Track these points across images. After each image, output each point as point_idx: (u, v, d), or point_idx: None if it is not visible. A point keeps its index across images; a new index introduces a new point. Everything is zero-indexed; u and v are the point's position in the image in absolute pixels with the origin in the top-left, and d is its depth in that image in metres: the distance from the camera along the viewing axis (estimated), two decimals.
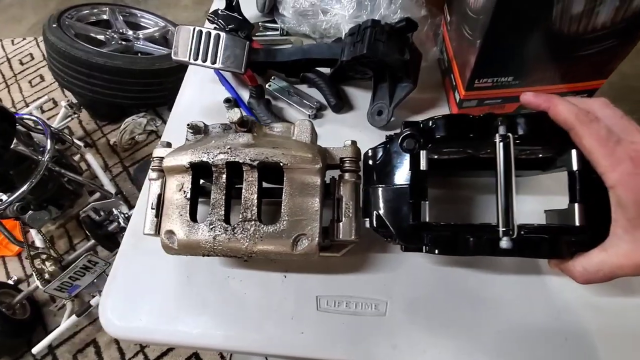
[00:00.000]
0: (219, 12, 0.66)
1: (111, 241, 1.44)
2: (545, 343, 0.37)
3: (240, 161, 0.35)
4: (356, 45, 0.45)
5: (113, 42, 1.68)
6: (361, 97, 0.56)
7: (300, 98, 0.56)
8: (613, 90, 1.70)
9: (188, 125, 0.40)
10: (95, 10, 1.77)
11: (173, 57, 0.54)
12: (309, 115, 0.54)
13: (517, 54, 0.39)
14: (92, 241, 1.45)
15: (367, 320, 0.39)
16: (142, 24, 1.82)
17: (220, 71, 0.62)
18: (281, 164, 0.35)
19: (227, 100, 0.57)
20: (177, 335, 0.40)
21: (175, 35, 0.53)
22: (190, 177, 0.37)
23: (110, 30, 1.72)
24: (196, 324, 0.41)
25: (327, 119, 0.55)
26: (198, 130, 0.40)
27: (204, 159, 0.35)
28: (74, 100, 1.70)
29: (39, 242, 1.52)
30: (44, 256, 1.40)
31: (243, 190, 0.35)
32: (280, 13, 0.63)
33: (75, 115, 1.70)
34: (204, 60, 0.53)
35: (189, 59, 0.53)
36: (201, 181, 0.41)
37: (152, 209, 0.40)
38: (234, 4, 0.66)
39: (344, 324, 0.39)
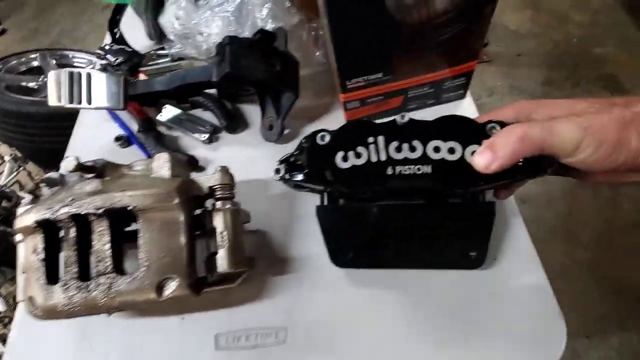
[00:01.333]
0: (106, 47, 0.64)
1: None
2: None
3: (83, 212, 0.32)
4: (221, 65, 0.43)
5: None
6: (256, 113, 0.54)
7: (193, 124, 0.53)
8: (549, 57, 1.72)
9: (41, 179, 0.37)
10: (23, 59, 1.70)
11: (49, 103, 0.51)
12: (204, 140, 0.52)
13: (372, 50, 0.38)
14: None
15: (269, 351, 0.37)
16: (75, 64, 1.76)
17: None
18: (129, 208, 0.32)
19: (117, 138, 0.55)
20: None
21: (48, 80, 0.50)
22: (42, 236, 0.34)
23: (42, 76, 1.66)
24: None
25: (224, 141, 0.53)
26: (53, 183, 0.37)
27: (47, 216, 0.32)
28: (19, 154, 1.63)
29: (1, 306, 1.45)
30: (6, 320, 1.33)
31: (93, 242, 0.33)
32: (167, 39, 0.60)
33: (21, 168, 1.63)
34: (79, 102, 0.50)
35: (64, 102, 0.50)
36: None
37: (22, 273, 0.37)
38: (117, 37, 0.64)
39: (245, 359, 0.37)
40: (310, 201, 0.39)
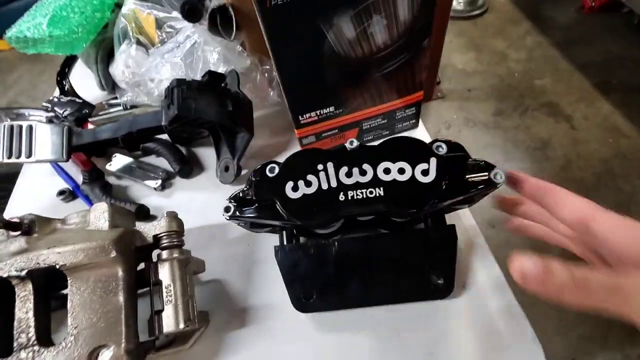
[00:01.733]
0: (54, 99, 0.61)
1: None
2: None
3: (4, 275, 0.28)
4: (169, 108, 0.41)
5: None
6: (211, 156, 0.52)
7: (144, 171, 0.51)
8: (496, 91, 1.87)
9: None
10: None
11: None
12: (156, 187, 0.49)
13: (319, 85, 0.38)
14: None
15: None
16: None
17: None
18: (57, 266, 0.28)
19: (60, 193, 0.51)
20: None
21: None
22: None
23: None
24: None
25: (178, 186, 0.50)
26: None
27: None
28: None
29: None
30: None
31: (16, 310, 0.28)
32: (119, 87, 0.59)
33: None
34: (18, 156, 0.47)
35: (2, 157, 0.47)
36: None
37: None
38: (66, 88, 0.62)
39: None
40: (270, 244, 0.37)
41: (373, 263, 0.35)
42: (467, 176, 0.28)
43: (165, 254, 0.33)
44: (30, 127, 0.48)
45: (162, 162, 0.53)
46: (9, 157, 0.47)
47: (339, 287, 0.35)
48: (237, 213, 0.31)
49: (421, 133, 0.51)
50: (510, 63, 2.06)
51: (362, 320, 0.36)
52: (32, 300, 0.28)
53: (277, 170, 0.30)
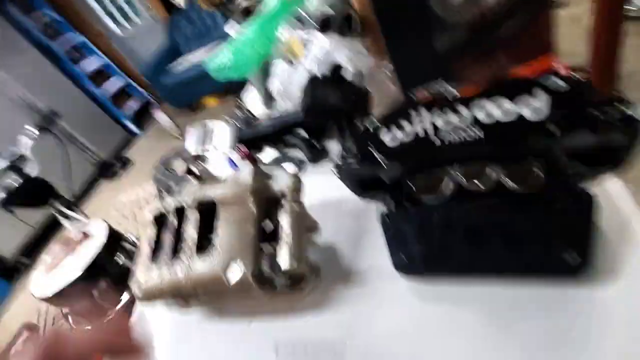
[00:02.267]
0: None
1: None
2: None
3: (182, 205, 0.40)
4: (303, 100, 0.50)
5: None
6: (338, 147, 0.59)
7: (285, 160, 0.62)
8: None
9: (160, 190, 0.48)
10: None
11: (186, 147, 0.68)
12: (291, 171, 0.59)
13: (429, 54, 0.39)
14: None
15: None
16: None
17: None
18: (214, 200, 0.38)
19: None
20: None
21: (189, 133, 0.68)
22: (154, 228, 0.43)
23: None
24: None
25: (309, 171, 0.59)
26: (165, 187, 0.48)
27: (157, 212, 0.41)
28: None
29: None
30: None
31: (183, 227, 0.39)
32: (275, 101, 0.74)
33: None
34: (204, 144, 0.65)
35: (197, 146, 0.66)
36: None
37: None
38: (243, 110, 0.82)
39: None
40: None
41: (485, 230, 0.32)
42: (591, 110, 0.24)
43: (286, 204, 0.39)
44: (212, 129, 0.66)
45: (300, 154, 0.62)
46: (202, 145, 0.66)
47: (445, 253, 0.34)
48: (343, 166, 0.35)
49: None
50: None
51: (469, 295, 0.33)
52: (195, 221, 0.39)
53: (375, 122, 0.33)
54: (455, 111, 0.27)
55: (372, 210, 0.45)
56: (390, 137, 0.31)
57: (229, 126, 0.64)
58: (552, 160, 0.27)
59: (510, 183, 0.32)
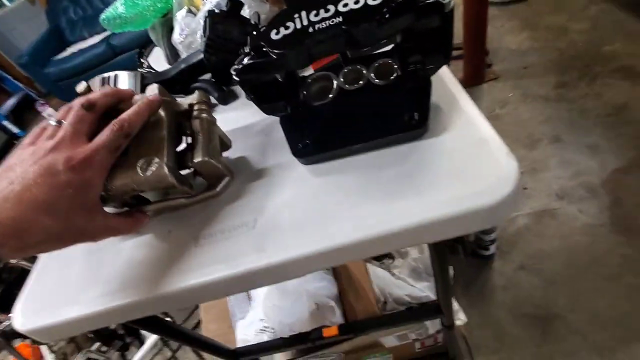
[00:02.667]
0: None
1: (116, 337, 1.42)
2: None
3: None
4: (204, 36, 0.54)
5: None
6: None
7: None
8: (556, 65, 1.77)
9: None
10: None
11: None
12: None
13: None
14: None
15: (241, 238, 0.40)
16: None
17: None
18: None
19: None
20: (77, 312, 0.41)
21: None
22: None
23: None
24: (94, 296, 0.41)
25: (219, 110, 0.62)
26: None
27: None
28: None
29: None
30: None
31: None
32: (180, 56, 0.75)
33: None
34: None
35: None
36: None
37: None
38: (145, 66, 0.81)
39: (220, 249, 0.40)
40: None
41: (358, 114, 0.42)
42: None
43: (196, 113, 0.43)
44: (116, 76, 0.64)
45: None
46: None
47: (329, 135, 0.42)
48: (240, 68, 0.40)
49: None
50: (573, 35, 1.92)
51: (350, 165, 0.41)
52: None
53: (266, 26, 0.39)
54: (327, 9, 0.35)
55: (278, 126, 0.51)
56: (275, 33, 0.37)
57: (130, 72, 0.64)
58: (402, 57, 0.37)
59: (376, 80, 0.42)
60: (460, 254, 1.33)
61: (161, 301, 0.39)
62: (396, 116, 0.40)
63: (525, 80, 1.79)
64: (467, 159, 0.36)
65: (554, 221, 1.32)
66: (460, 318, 0.92)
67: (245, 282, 0.38)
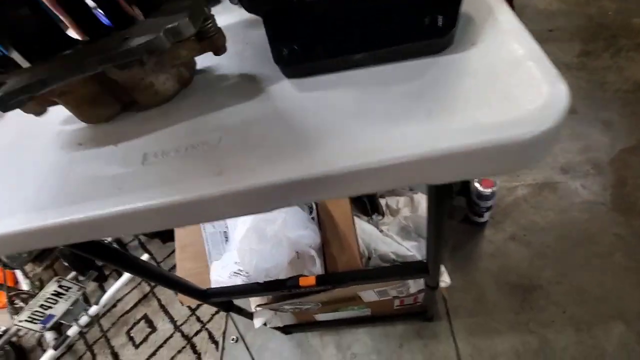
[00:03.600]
0: None
1: (91, 268, 1.39)
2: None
3: None
4: None
5: None
6: None
7: None
8: (583, 31, 1.62)
9: None
10: None
11: None
12: None
13: None
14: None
15: (199, 159, 0.31)
16: None
17: None
18: None
19: None
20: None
21: None
22: None
23: None
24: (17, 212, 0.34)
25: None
26: None
27: None
28: None
29: (25, 286, 1.50)
30: (25, 296, 1.36)
31: None
32: None
33: None
34: None
35: None
36: None
37: None
38: None
39: (172, 169, 0.32)
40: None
41: (360, 13, 0.32)
42: None
43: None
44: None
45: None
46: None
47: (321, 39, 0.32)
48: None
49: None
50: (604, 1, 1.74)
51: (347, 80, 0.32)
52: None
53: None
54: None
55: (262, 32, 0.41)
56: None
57: None
58: None
59: None
60: (454, 219, 1.29)
61: (96, 225, 0.32)
62: (413, 18, 0.30)
63: (549, 45, 1.64)
64: (501, 80, 0.27)
65: (554, 195, 1.26)
66: (445, 280, 0.88)
67: (198, 212, 0.30)
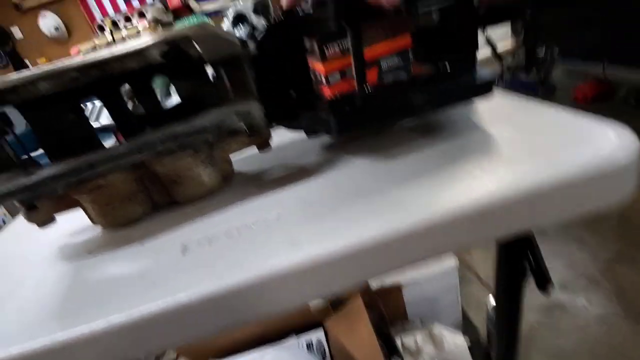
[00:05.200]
0: None
1: None
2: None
3: None
4: None
5: None
6: None
7: None
8: None
9: None
10: None
11: None
12: None
13: None
14: None
15: (261, 232, 0.27)
16: None
17: None
18: None
19: None
20: None
21: None
22: None
23: None
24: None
25: None
26: None
27: None
28: None
29: None
30: None
31: None
32: None
33: None
34: None
35: None
36: None
37: None
38: None
39: (230, 248, 0.26)
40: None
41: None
42: None
43: None
44: None
45: None
46: None
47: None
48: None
49: None
50: None
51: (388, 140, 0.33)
52: None
53: None
54: None
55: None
56: None
57: None
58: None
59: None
60: None
61: (120, 335, 0.23)
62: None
63: None
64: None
65: (566, 314, 1.19)
66: None
67: (270, 295, 0.23)
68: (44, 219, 0.32)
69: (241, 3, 0.85)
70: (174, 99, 0.47)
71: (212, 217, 0.31)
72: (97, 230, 0.35)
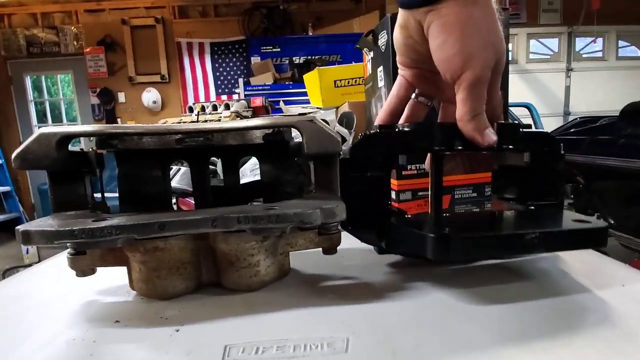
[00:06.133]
0: None
1: None
2: None
3: None
4: None
5: None
6: None
7: None
8: None
9: None
10: None
11: None
12: None
13: None
14: None
15: (315, 357, 0.22)
16: None
17: None
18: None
19: None
20: None
21: None
22: None
23: None
24: None
25: None
26: None
27: None
28: None
29: None
30: None
31: None
32: None
33: None
34: None
35: None
36: None
37: None
38: None
39: None
40: None
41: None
42: None
43: None
44: None
45: None
46: None
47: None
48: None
49: None
50: None
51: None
52: None
53: None
54: None
55: None
56: None
57: None
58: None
59: None
60: None
61: None
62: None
63: None
64: None
65: None
66: None
67: None
68: (85, 269, 0.29)
69: (322, 113, 0.94)
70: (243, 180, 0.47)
71: (263, 319, 0.26)
72: (130, 295, 0.31)
